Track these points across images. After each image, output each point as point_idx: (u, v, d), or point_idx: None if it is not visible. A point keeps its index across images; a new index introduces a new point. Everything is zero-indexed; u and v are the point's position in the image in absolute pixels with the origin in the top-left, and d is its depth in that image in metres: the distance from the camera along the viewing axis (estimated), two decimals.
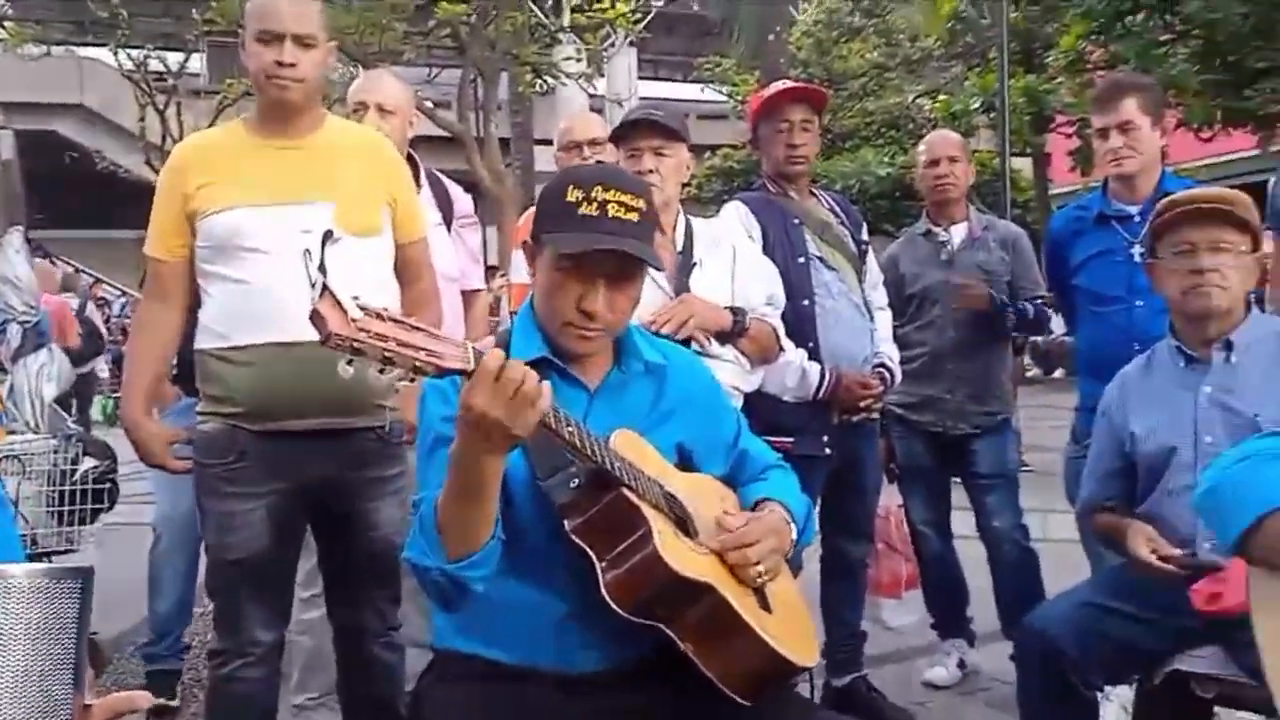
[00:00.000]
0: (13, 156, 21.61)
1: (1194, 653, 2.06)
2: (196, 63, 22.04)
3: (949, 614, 3.55)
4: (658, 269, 1.71)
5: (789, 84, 3.14)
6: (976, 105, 14.17)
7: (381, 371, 1.24)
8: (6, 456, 3.15)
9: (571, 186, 1.60)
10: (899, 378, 3.16)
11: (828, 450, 2.96)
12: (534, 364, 1.58)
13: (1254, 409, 2.14)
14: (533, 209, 1.87)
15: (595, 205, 1.58)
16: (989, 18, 14.78)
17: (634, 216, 1.59)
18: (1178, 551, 2.11)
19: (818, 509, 3.15)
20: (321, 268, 2.10)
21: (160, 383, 2.51)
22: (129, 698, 1.01)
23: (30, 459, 3.20)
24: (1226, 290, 2.21)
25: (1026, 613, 2.37)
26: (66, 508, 3.21)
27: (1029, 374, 14.03)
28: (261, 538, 2.26)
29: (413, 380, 1.29)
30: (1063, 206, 3.59)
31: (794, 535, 1.73)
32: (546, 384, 1.36)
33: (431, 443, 1.61)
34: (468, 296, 3.20)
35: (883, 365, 3.07)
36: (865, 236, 3.20)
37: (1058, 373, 14.74)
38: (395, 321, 1.24)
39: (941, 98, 16.71)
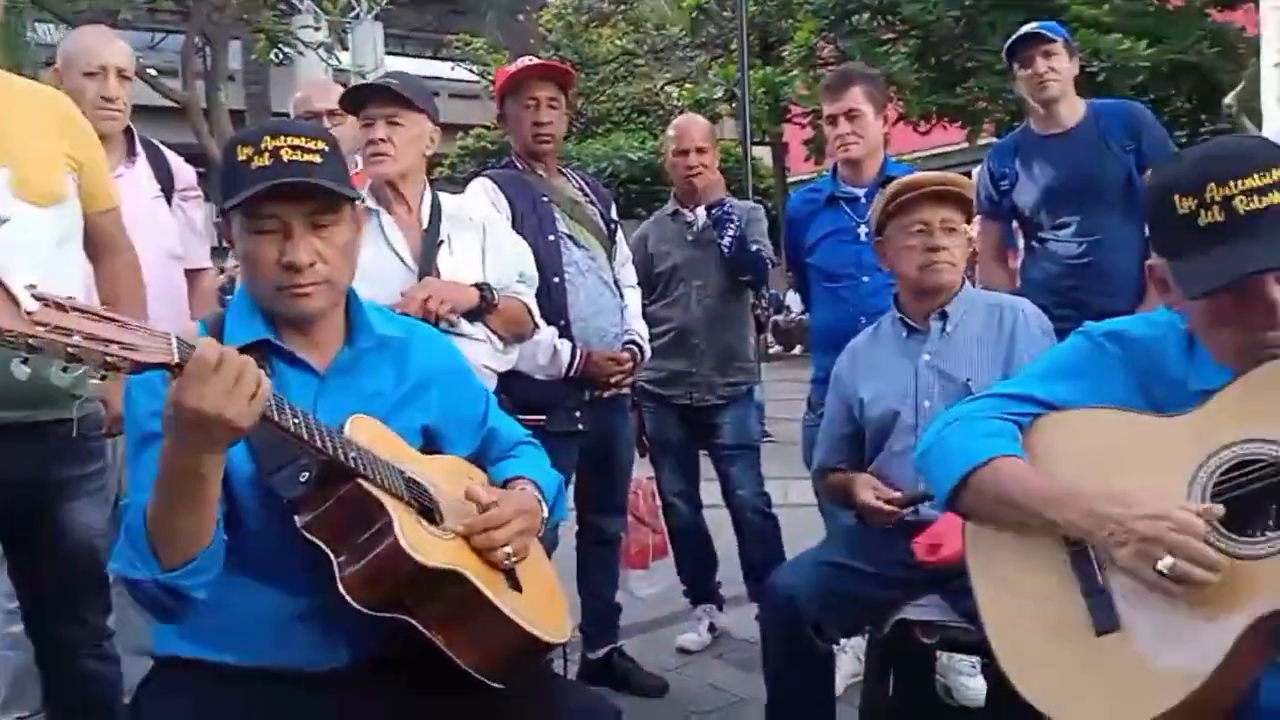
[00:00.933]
0: None
1: (918, 602, 2.21)
2: None
3: (699, 581, 3.67)
4: (353, 199, 1.60)
5: (535, 61, 3.11)
6: (719, 94, 14.72)
7: (65, 370, 1.09)
8: None
9: (239, 146, 1.50)
10: (649, 354, 3.22)
11: (580, 426, 2.98)
12: (254, 347, 1.48)
13: (966, 374, 2.34)
14: None
15: (268, 155, 1.48)
16: (730, 10, 15.36)
17: (315, 158, 1.50)
18: (897, 494, 2.28)
19: (572, 486, 3.17)
20: None
21: None
22: None
23: None
24: (955, 266, 2.40)
25: (770, 575, 2.48)
26: None
27: (771, 351, 14.80)
28: None
29: (103, 378, 1.14)
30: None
31: (545, 513, 1.71)
32: (266, 380, 1.27)
33: (139, 440, 1.47)
34: (192, 275, 2.96)
35: (633, 342, 3.12)
36: (614, 215, 3.24)
37: (797, 349, 15.64)
38: (81, 312, 1.11)
39: (687, 86, 17.25)
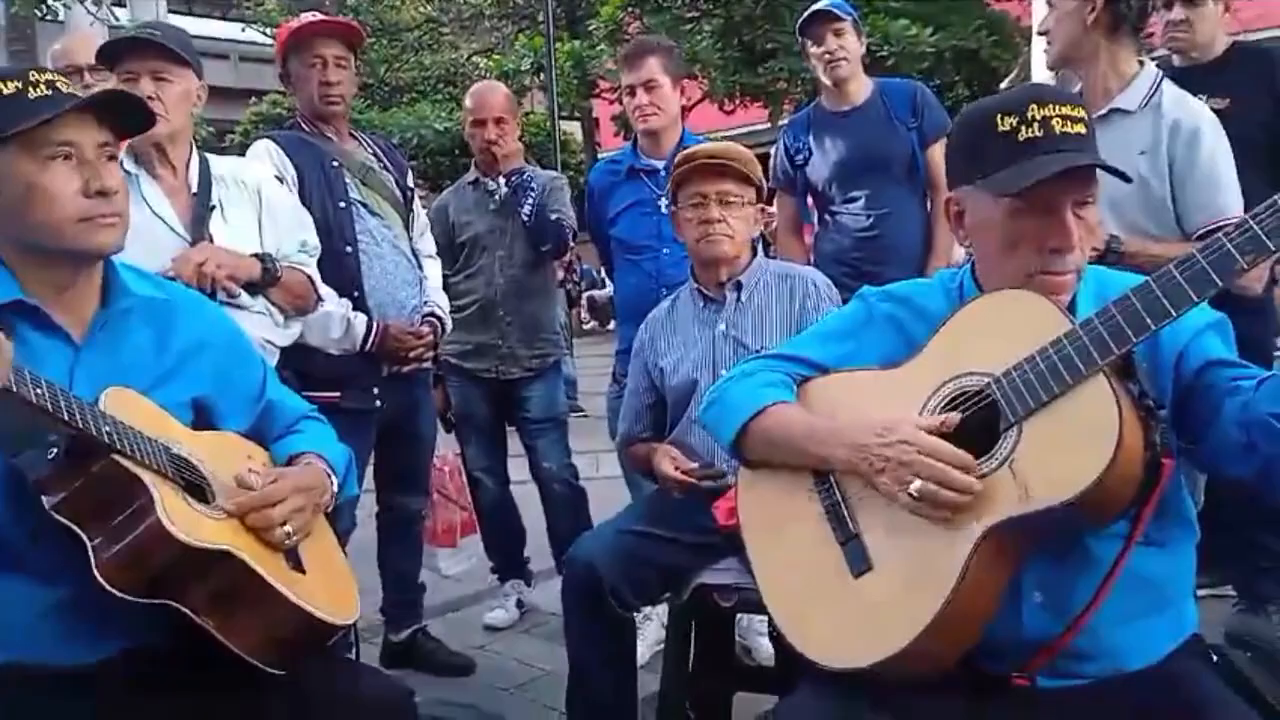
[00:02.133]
0: None
1: (716, 566, 2.26)
2: None
3: (507, 557, 3.64)
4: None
5: (319, 17, 2.95)
6: (527, 66, 14.56)
7: None
8: None
9: (4, 80, 1.41)
10: (449, 326, 3.14)
11: (379, 403, 2.88)
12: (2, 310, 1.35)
13: (760, 342, 2.39)
14: None
15: (44, 86, 1.43)
16: None
17: (71, 87, 1.48)
18: (695, 465, 2.31)
19: (371, 464, 3.06)
20: None
21: None
22: None
23: None
24: (733, 239, 2.43)
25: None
26: None
27: (586, 326, 14.85)
28: None
29: None
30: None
31: (334, 487, 1.64)
32: (6, 343, 1.16)
33: None
34: None
35: (433, 314, 3.04)
36: (410, 182, 3.12)
37: (611, 325, 15.76)
38: None
39: (494, 57, 16.97)
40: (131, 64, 2.27)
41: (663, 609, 2.90)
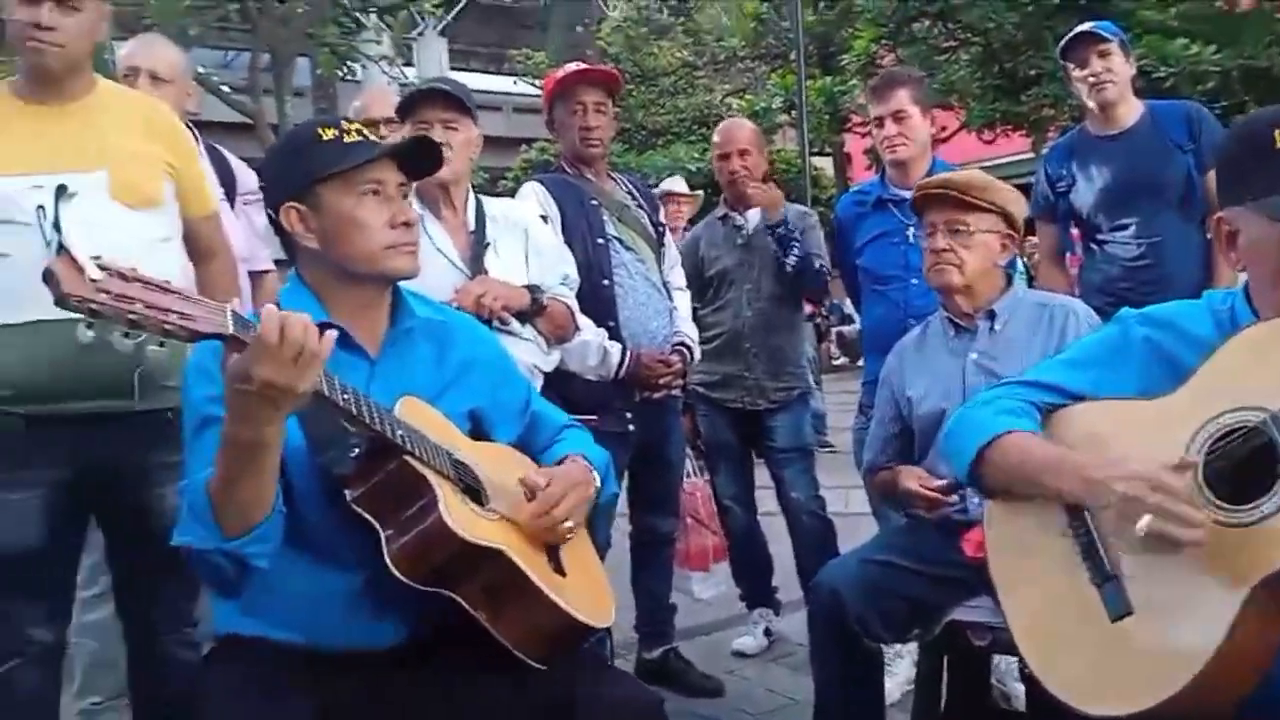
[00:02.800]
0: None
1: (969, 603, 2.18)
2: None
3: (755, 585, 3.67)
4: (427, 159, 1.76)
5: (581, 66, 3.16)
6: (778, 104, 14.68)
7: (127, 335, 1.16)
8: None
9: (321, 129, 1.65)
10: (698, 356, 3.25)
11: (631, 427, 3.02)
12: None
13: (1013, 372, 2.31)
14: None
15: (355, 133, 1.65)
16: (788, 20, 15.35)
17: (384, 133, 1.65)
18: (942, 482, 2.27)
19: (625, 486, 3.20)
20: (56, 225, 1.95)
21: None
22: None
23: None
24: (959, 268, 2.38)
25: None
26: None
27: (835, 361, 14.68)
28: (33, 530, 2.07)
29: (161, 345, 1.21)
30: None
31: (597, 483, 1.74)
32: (330, 333, 1.33)
33: (198, 425, 1.54)
34: (255, 277, 3.06)
35: (682, 344, 3.15)
36: (662, 219, 3.27)
37: (861, 360, 15.42)
38: (143, 283, 1.17)
39: (747, 97, 17.23)
40: (424, 114, 2.52)
41: (914, 647, 2.85)
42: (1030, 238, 3.54)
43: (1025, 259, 5.99)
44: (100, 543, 2.34)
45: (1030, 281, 4.85)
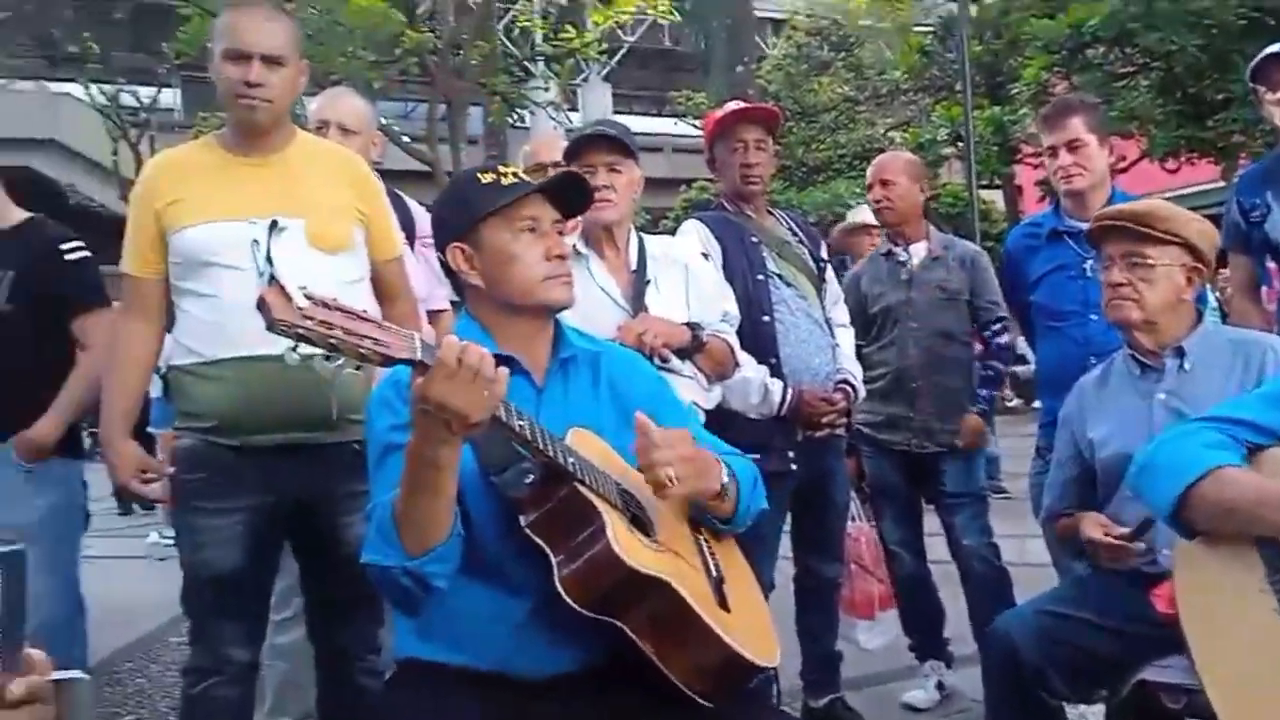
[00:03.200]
0: None
1: (1160, 663, 2.04)
2: (170, 97, 22.05)
3: (925, 635, 3.54)
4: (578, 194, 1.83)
5: (741, 105, 3.18)
6: (943, 136, 14.36)
7: (328, 359, 1.24)
8: None
9: (479, 174, 1.74)
10: (862, 394, 3.18)
11: (793, 466, 2.97)
12: None
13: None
14: None
15: (510, 175, 1.73)
16: (954, 51, 15.03)
17: (530, 176, 1.77)
18: (1127, 530, 2.14)
19: (787, 528, 3.15)
20: (269, 258, 2.10)
21: (137, 403, 2.43)
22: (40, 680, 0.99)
23: None
24: (1138, 302, 2.25)
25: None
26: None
27: (1010, 404, 14.10)
28: (236, 553, 2.23)
29: (359, 369, 1.29)
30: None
31: (725, 477, 1.71)
32: (504, 370, 1.38)
33: (381, 452, 1.61)
34: (432, 316, 3.20)
35: (845, 381, 3.09)
36: (824, 254, 3.24)
37: (1036, 403, 14.78)
38: (343, 311, 1.26)
39: (910, 130, 16.93)
40: (589, 157, 2.58)
41: (1098, 708, 2.68)
42: (1222, 270, 3.33)
43: (1217, 293, 5.60)
44: (294, 567, 2.49)
45: (1224, 317, 4.53)
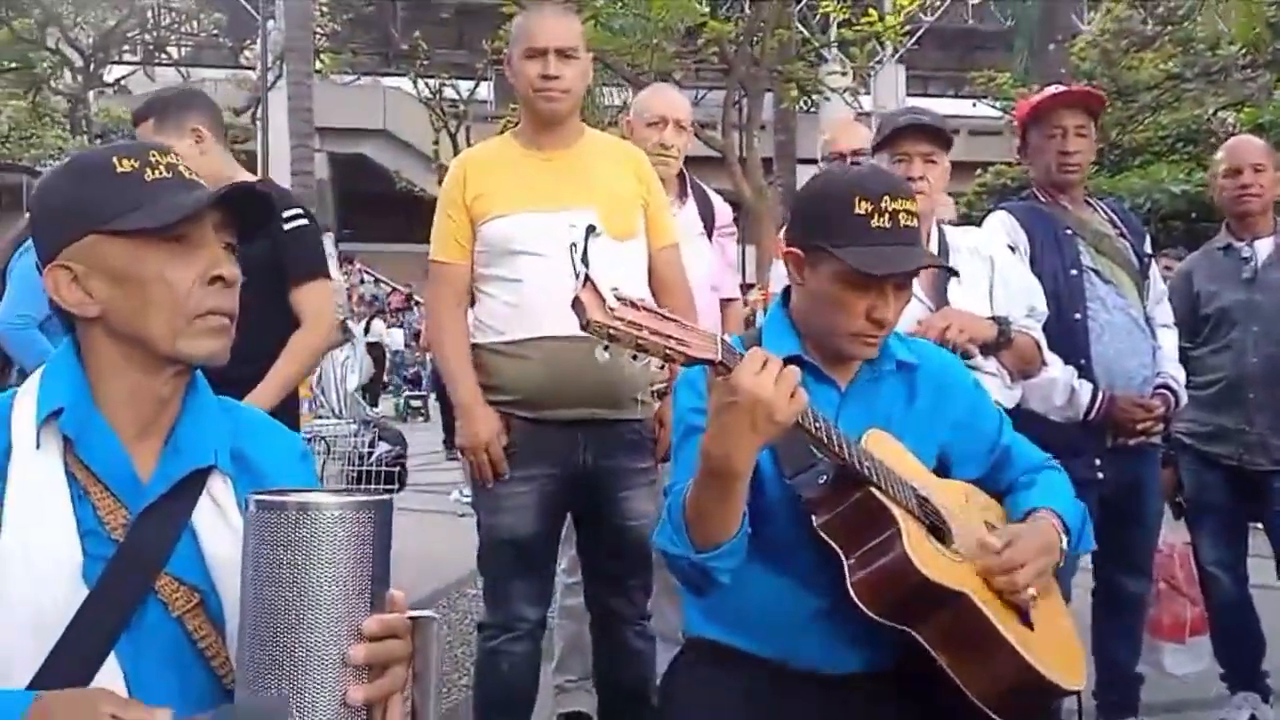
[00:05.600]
0: (325, 176, 24.09)
1: None
2: (484, 90, 23.78)
3: (1241, 665, 3.24)
4: (953, 273, 1.84)
5: (1062, 88, 2.99)
6: None
7: (634, 358, 1.30)
8: (315, 437, 3.53)
9: (858, 199, 1.59)
10: (1184, 400, 2.92)
11: (1100, 475, 2.78)
12: (787, 360, 1.62)
13: None
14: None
15: (886, 217, 1.58)
16: None
17: (915, 221, 1.61)
18: None
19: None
20: (585, 259, 2.25)
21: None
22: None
23: (335, 441, 3.57)
24: None
25: None
26: (362, 487, 3.54)
27: None
28: (530, 519, 2.42)
29: (663, 368, 1.34)
30: None
31: (1064, 544, 1.65)
32: (795, 368, 1.39)
33: (683, 433, 1.66)
34: (724, 304, 3.28)
35: (1165, 386, 2.85)
36: (1148, 249, 2.99)
37: None
38: (649, 311, 1.30)
39: (1247, 109, 15.23)
40: (904, 147, 2.52)
41: None
42: None
43: None
44: None
45: None
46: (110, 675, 1.11)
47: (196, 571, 1.19)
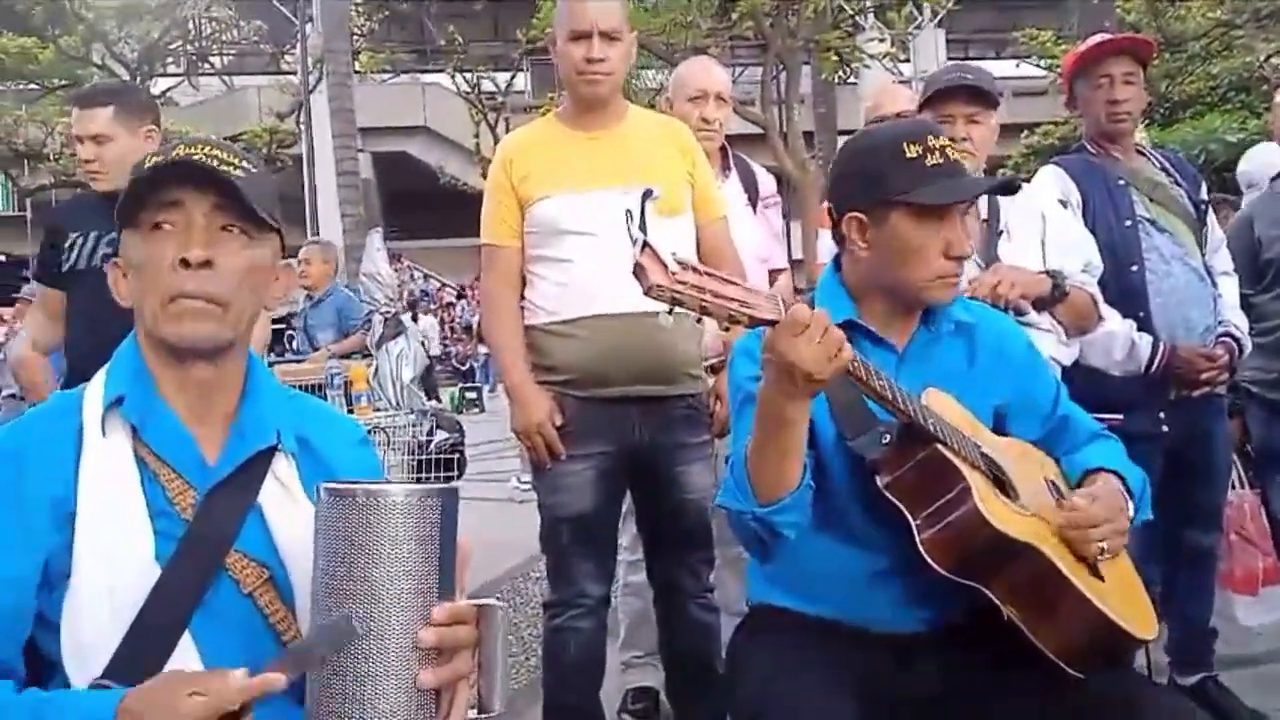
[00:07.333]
0: (369, 176, 24.35)
1: None
2: (521, 80, 23.86)
3: None
4: (1015, 189, 1.90)
5: (1108, 36, 2.93)
6: None
7: (699, 321, 1.31)
8: (375, 428, 3.59)
9: (906, 143, 1.61)
10: (1248, 348, 2.86)
11: (1164, 428, 2.74)
12: (841, 327, 1.62)
13: None
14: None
15: (937, 153, 1.61)
16: None
17: (958, 155, 1.65)
18: None
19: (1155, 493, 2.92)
20: (642, 225, 2.25)
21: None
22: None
23: (394, 431, 3.63)
24: None
25: None
26: (422, 475, 3.60)
27: None
28: (589, 496, 2.44)
29: (727, 329, 1.35)
30: None
31: (1130, 511, 1.64)
32: (848, 345, 1.39)
33: (741, 400, 1.66)
34: (772, 274, 3.27)
35: (1228, 335, 2.80)
36: (1204, 195, 2.93)
37: None
38: (710, 275, 1.31)
39: None
40: (948, 108, 2.49)
41: None
42: None
43: None
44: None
45: None
46: (185, 653, 1.16)
47: (265, 549, 1.23)
